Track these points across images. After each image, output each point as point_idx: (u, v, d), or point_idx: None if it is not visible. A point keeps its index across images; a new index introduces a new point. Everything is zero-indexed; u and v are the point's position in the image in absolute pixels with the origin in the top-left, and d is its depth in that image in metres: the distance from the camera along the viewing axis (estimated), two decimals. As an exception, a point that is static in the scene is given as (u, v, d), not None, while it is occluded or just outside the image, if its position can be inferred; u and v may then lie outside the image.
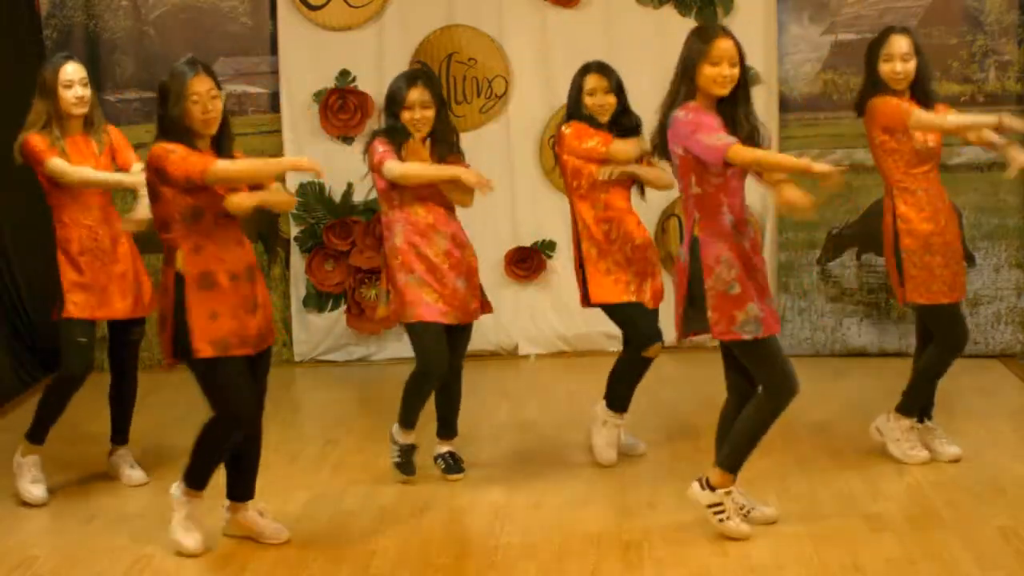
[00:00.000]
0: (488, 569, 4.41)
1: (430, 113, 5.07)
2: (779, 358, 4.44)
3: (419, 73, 5.37)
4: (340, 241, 7.22)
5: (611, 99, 5.26)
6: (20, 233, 7.07)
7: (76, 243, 5.19)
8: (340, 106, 7.16)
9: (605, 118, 5.25)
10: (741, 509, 4.56)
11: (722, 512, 4.49)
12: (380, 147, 5.05)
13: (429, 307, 5.03)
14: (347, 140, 7.20)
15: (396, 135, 5.08)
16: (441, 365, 5.05)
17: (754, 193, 6.72)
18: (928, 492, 4.92)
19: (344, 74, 7.17)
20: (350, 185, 7.09)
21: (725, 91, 4.37)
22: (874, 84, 5.10)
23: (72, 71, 5.18)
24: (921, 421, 5.29)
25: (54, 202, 5.23)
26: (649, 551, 4.48)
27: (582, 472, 5.30)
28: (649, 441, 5.58)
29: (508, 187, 7.26)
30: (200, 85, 4.40)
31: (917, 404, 5.26)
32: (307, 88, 7.20)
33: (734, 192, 4.41)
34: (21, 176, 6.92)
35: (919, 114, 4.98)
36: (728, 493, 4.50)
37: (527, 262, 7.30)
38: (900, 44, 5.06)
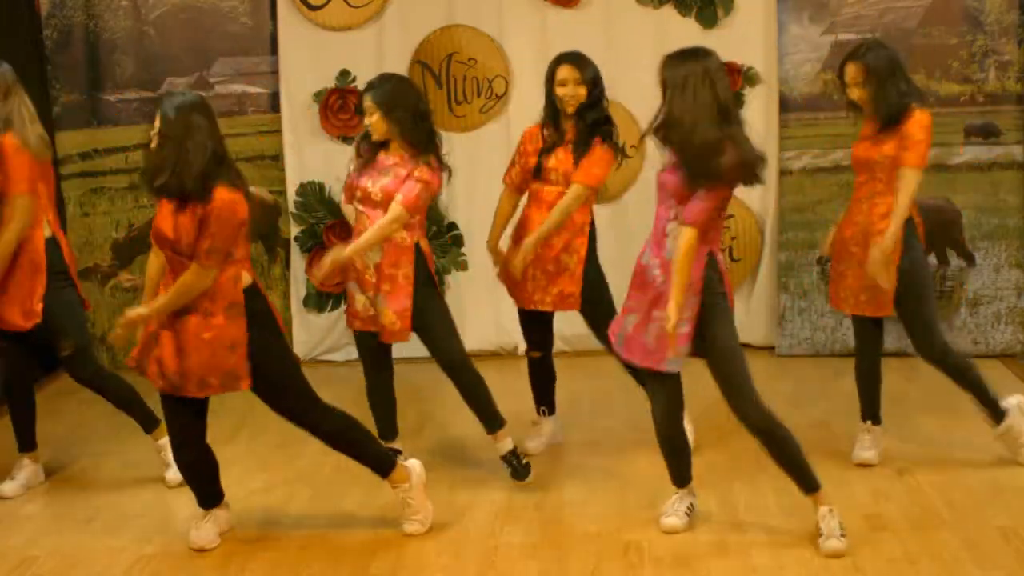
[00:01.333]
0: (488, 569, 4.41)
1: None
2: None
3: (371, 82, 5.18)
4: (340, 241, 7.20)
5: (581, 91, 5.24)
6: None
7: None
8: (340, 106, 7.16)
9: (570, 109, 5.26)
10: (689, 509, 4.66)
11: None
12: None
13: None
14: (347, 140, 7.19)
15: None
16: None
17: (754, 192, 6.73)
18: (928, 492, 4.93)
19: (344, 74, 7.16)
20: (350, 185, 7.09)
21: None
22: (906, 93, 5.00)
23: None
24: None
25: None
26: (649, 551, 4.48)
27: (582, 472, 5.29)
28: (649, 441, 5.57)
29: (508, 187, 7.26)
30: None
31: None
32: (307, 88, 7.19)
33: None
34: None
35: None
36: None
37: (527, 262, 7.29)
38: (850, 71, 5.01)
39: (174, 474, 5.18)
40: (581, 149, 5.25)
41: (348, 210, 5.25)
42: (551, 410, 5.67)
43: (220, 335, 4.37)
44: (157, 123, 4.33)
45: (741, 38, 7.03)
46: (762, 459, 4.80)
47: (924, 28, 6.83)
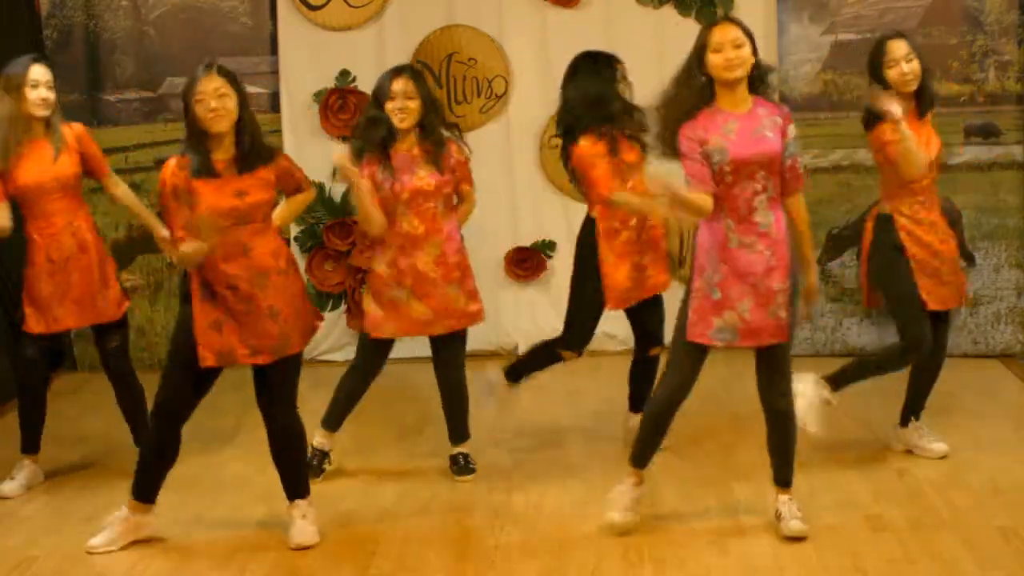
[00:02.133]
0: (488, 569, 4.41)
1: (414, 104, 5.05)
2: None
3: (405, 67, 5.30)
4: (340, 241, 7.22)
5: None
6: (20, 230, 7.05)
7: (41, 253, 5.19)
8: (340, 106, 7.16)
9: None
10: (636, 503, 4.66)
11: None
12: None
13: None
14: (347, 140, 7.19)
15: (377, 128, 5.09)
16: None
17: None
18: (928, 492, 4.92)
19: (344, 74, 7.17)
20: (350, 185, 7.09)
21: (734, 74, 4.36)
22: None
23: (40, 72, 5.14)
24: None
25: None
26: (649, 551, 4.47)
27: (582, 472, 5.29)
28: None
29: (508, 187, 7.27)
30: (208, 84, 4.37)
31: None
32: (307, 88, 7.20)
33: (733, 197, 4.38)
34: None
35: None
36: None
37: (527, 262, 7.30)
38: (900, 47, 5.06)
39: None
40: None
41: (379, 216, 5.06)
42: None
43: (300, 288, 4.62)
44: (231, 91, 4.38)
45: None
46: (761, 459, 4.80)
47: (924, 28, 6.83)
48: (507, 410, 6.10)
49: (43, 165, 5.16)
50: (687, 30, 6.99)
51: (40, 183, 5.14)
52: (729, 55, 4.34)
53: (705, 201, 4.32)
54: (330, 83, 7.18)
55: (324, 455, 5.33)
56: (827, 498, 4.90)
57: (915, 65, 5.05)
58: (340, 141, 7.19)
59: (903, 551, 4.38)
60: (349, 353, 7.33)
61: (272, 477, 5.08)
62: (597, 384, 6.32)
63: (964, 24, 6.85)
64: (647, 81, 6.73)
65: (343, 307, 7.34)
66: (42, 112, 5.15)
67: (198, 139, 4.41)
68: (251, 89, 7.19)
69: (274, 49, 7.23)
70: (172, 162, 4.45)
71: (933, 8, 6.85)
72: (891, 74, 5.06)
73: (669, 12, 7.06)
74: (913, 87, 5.06)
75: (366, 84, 7.12)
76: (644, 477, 4.67)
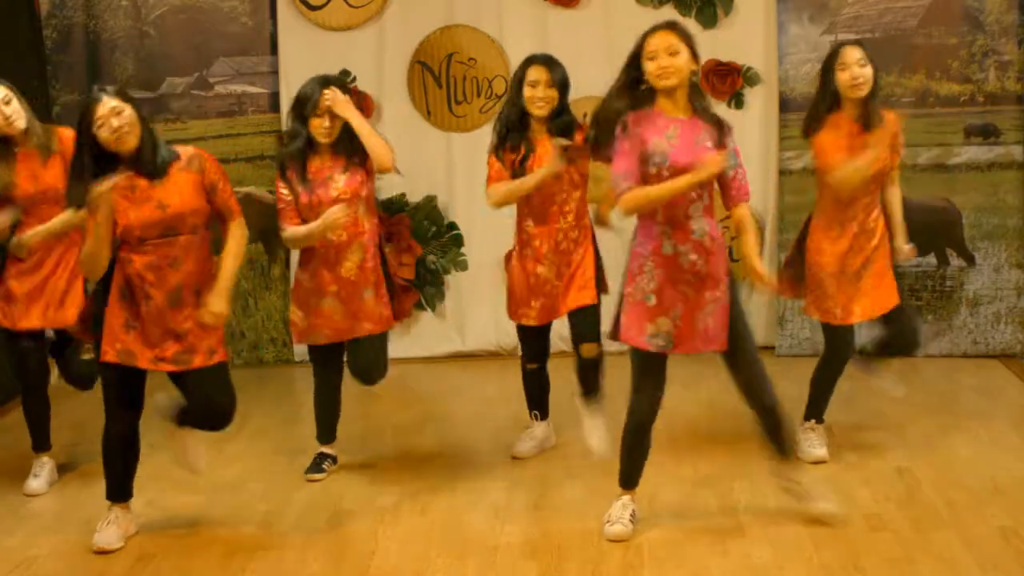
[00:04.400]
0: (488, 569, 4.41)
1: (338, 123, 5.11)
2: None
3: (332, 78, 5.39)
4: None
5: (552, 93, 5.15)
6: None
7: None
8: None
9: (540, 112, 5.15)
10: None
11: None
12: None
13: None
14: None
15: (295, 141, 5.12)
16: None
17: (755, 193, 6.72)
18: (928, 492, 4.92)
19: (344, 74, 7.16)
20: (350, 185, 7.10)
21: (666, 83, 4.32)
22: (827, 100, 5.07)
23: None
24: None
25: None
26: (649, 551, 4.48)
27: (582, 472, 5.29)
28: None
29: (508, 187, 7.25)
30: (103, 108, 4.39)
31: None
32: (307, 88, 7.19)
33: (670, 204, 4.33)
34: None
35: (840, 172, 5.01)
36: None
37: (527, 262, 7.29)
38: (853, 52, 5.01)
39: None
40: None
41: (299, 231, 5.05)
42: (544, 415, 5.63)
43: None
44: (126, 105, 4.41)
45: (741, 38, 7.03)
46: (761, 460, 4.80)
47: (924, 28, 6.83)
48: (506, 410, 6.11)
49: (35, 174, 5.18)
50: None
51: (31, 194, 5.16)
52: (663, 63, 4.31)
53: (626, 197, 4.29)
54: (330, 83, 7.17)
55: (325, 457, 5.34)
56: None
57: (868, 71, 5.00)
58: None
59: (903, 551, 4.38)
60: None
61: (272, 477, 5.09)
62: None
63: (964, 24, 6.85)
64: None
65: (343, 307, 7.33)
66: (6, 131, 5.11)
67: (111, 165, 4.40)
68: (251, 89, 7.21)
69: (274, 49, 7.23)
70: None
71: (933, 8, 6.85)
72: (842, 77, 5.00)
73: (669, 12, 7.05)
74: (863, 92, 5.00)
75: (366, 84, 7.14)
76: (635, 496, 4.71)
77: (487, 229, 7.02)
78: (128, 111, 4.39)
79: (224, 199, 4.59)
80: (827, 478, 5.10)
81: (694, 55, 4.36)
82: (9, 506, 5.17)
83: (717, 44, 7.00)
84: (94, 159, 4.38)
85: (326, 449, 5.36)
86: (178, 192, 4.46)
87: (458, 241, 7.30)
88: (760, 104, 7.04)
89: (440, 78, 7.18)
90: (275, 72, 7.24)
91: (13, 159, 5.14)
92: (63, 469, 5.54)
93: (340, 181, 5.06)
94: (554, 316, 5.32)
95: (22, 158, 5.16)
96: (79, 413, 6.17)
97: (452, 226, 7.30)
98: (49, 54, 7.18)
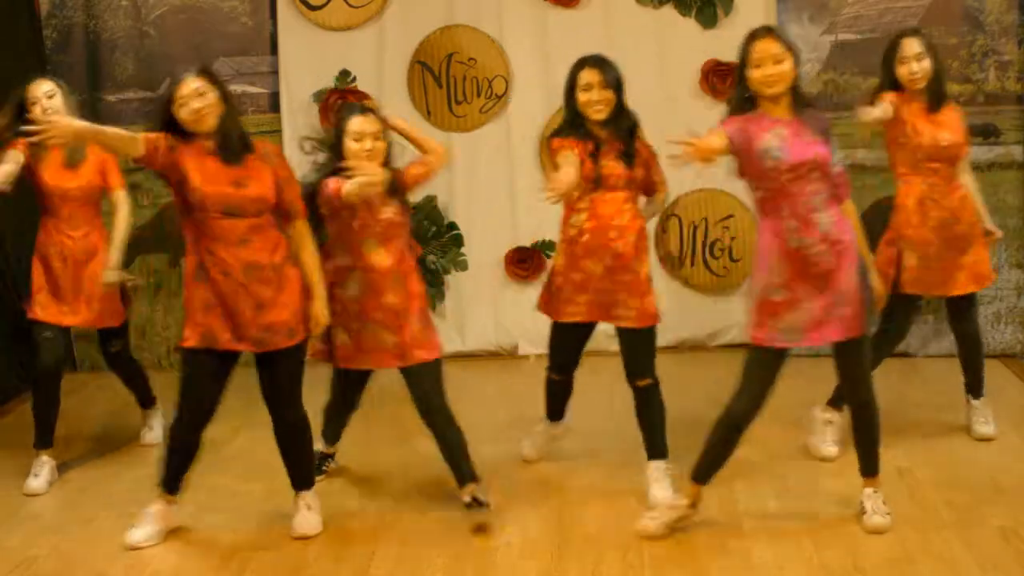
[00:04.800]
0: (488, 569, 4.40)
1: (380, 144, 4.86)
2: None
3: (365, 108, 5.09)
4: (340, 241, 7.22)
5: (608, 94, 4.91)
6: (19, 233, 7.06)
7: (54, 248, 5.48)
8: (340, 106, 7.15)
9: (599, 116, 4.92)
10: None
11: None
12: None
13: None
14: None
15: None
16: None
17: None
18: (928, 492, 4.92)
19: (344, 74, 7.17)
20: (350, 185, 7.10)
21: (773, 90, 4.39)
22: (890, 87, 5.32)
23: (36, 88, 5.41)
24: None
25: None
26: (649, 551, 4.47)
27: (582, 472, 5.29)
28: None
29: (508, 187, 7.26)
30: (187, 86, 4.52)
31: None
32: (307, 88, 7.19)
33: (792, 196, 4.39)
34: (19, 176, 6.93)
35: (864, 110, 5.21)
36: None
37: (527, 262, 7.30)
38: (912, 46, 5.26)
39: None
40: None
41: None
42: (561, 417, 5.46)
43: (295, 286, 4.62)
44: (211, 87, 4.55)
45: (741, 38, 6.99)
46: (761, 459, 4.80)
47: (924, 28, 6.81)
48: (506, 410, 6.11)
49: (58, 172, 5.46)
50: (687, 30, 7.04)
51: (51, 188, 5.44)
52: (767, 72, 4.38)
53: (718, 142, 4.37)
54: (330, 83, 7.18)
55: (326, 457, 5.34)
56: (827, 498, 4.90)
57: (925, 65, 5.24)
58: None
59: (903, 551, 4.38)
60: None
61: (272, 477, 5.09)
62: (597, 384, 6.30)
63: (964, 24, 6.85)
64: (647, 81, 6.79)
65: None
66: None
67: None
68: (251, 89, 7.21)
69: (274, 49, 7.23)
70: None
71: (933, 8, 6.85)
72: (901, 71, 5.27)
73: (669, 12, 7.06)
74: (920, 85, 5.26)
75: (366, 84, 7.15)
76: (701, 498, 4.65)
77: (487, 229, 7.02)
78: (211, 94, 4.48)
79: (292, 196, 4.60)
80: (827, 478, 5.10)
81: (796, 60, 4.45)
82: (9, 506, 5.17)
83: (717, 44, 7.00)
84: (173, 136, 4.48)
85: (326, 449, 5.35)
86: (254, 178, 4.49)
87: (458, 241, 7.30)
88: (760, 104, 7.03)
89: (440, 78, 7.18)
90: (275, 72, 7.24)
91: (44, 148, 5.20)
92: (63, 468, 5.54)
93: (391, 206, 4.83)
94: (604, 318, 5.02)
95: (54, 151, 5.36)
96: (76, 412, 6.18)
97: (452, 226, 7.29)
98: (49, 54, 7.18)
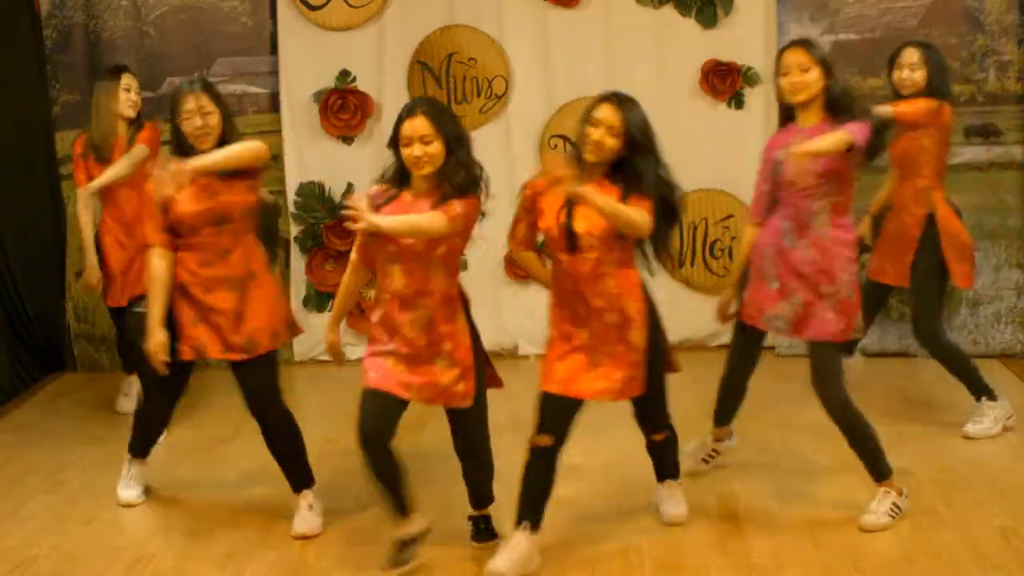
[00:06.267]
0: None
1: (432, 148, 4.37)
2: None
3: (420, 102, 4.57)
4: (340, 241, 7.21)
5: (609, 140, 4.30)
6: (19, 231, 7.08)
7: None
8: (340, 106, 7.16)
9: (593, 157, 4.33)
10: None
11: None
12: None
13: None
14: (347, 140, 7.20)
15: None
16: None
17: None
18: (928, 492, 4.92)
19: (344, 74, 7.17)
20: (350, 185, 7.10)
21: (796, 98, 4.63)
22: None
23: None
24: None
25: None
26: (649, 551, 4.48)
27: (582, 472, 5.29)
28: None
29: (508, 187, 7.23)
30: (193, 102, 4.59)
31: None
32: (307, 88, 7.19)
33: (791, 204, 4.68)
34: (19, 173, 6.96)
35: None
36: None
37: (527, 262, 7.29)
38: (910, 55, 5.54)
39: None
40: None
41: None
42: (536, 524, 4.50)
43: (271, 292, 4.84)
44: (215, 107, 4.65)
45: (741, 38, 7.03)
46: (761, 459, 4.81)
47: (924, 28, 6.83)
48: (506, 410, 6.10)
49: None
50: (687, 30, 7.03)
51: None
52: (794, 79, 4.60)
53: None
54: (330, 83, 7.18)
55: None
56: (827, 498, 4.90)
57: (917, 75, 5.50)
58: (340, 141, 7.20)
59: (903, 551, 4.38)
60: (349, 353, 7.35)
61: (272, 477, 5.09)
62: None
63: (964, 24, 6.85)
64: (647, 81, 6.79)
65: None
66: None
67: (183, 150, 4.62)
68: (251, 89, 7.21)
69: (274, 49, 7.23)
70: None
71: (933, 8, 6.85)
72: (894, 76, 5.57)
73: (669, 12, 7.05)
74: (907, 93, 5.52)
75: (366, 84, 7.15)
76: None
77: (487, 229, 7.01)
78: (215, 118, 4.60)
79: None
80: (828, 478, 5.10)
81: (827, 70, 4.61)
82: (9, 506, 5.17)
83: (717, 44, 7.00)
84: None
85: None
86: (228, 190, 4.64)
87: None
88: (760, 104, 7.03)
89: (440, 78, 7.18)
90: (275, 72, 7.24)
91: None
92: (63, 468, 5.54)
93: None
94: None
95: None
96: (77, 412, 6.17)
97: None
98: (49, 54, 7.18)
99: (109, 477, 5.40)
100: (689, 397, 5.92)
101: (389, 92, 7.16)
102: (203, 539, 4.76)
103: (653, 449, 4.79)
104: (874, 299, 5.68)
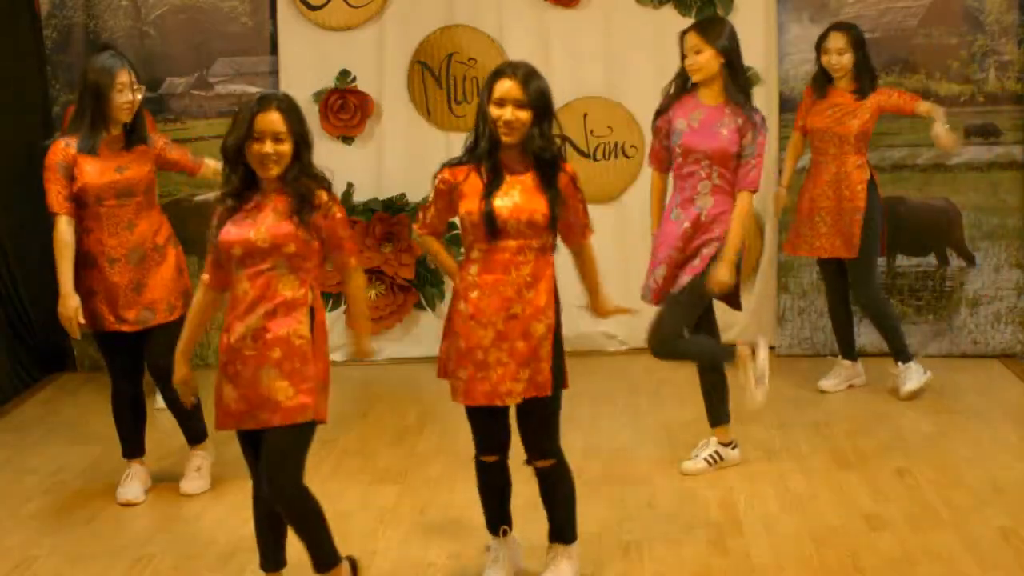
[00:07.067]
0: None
1: None
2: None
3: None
4: (340, 241, 7.21)
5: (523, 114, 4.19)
6: (19, 232, 7.07)
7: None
8: (340, 106, 7.15)
9: (510, 138, 4.23)
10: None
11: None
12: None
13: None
14: (347, 140, 7.19)
15: None
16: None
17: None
18: (928, 492, 4.92)
19: (344, 74, 7.16)
20: (350, 185, 7.09)
21: (695, 77, 5.02)
22: (818, 79, 6.13)
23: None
24: None
25: None
26: (649, 551, 4.48)
27: (582, 472, 5.29)
28: (649, 440, 5.58)
29: (508, 187, 7.25)
30: (126, 76, 4.89)
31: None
32: (307, 88, 7.18)
33: (682, 177, 5.09)
34: (19, 176, 6.95)
35: None
36: None
37: (527, 262, 7.28)
38: (835, 40, 5.94)
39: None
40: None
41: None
42: (510, 525, 4.42)
43: (172, 265, 5.14)
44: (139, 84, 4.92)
45: (741, 38, 7.00)
46: (761, 459, 4.80)
47: (924, 28, 6.83)
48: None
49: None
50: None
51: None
52: (688, 61, 4.99)
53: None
54: (330, 83, 7.17)
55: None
56: (827, 498, 4.90)
57: (845, 59, 5.91)
58: (340, 141, 7.20)
59: (903, 551, 4.38)
60: (349, 353, 7.35)
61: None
62: (595, 384, 6.31)
63: (964, 24, 6.85)
64: (647, 81, 6.78)
65: (343, 307, 7.32)
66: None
67: (100, 120, 4.87)
68: (251, 89, 7.20)
69: (274, 49, 7.22)
70: (60, 142, 4.90)
71: (933, 8, 6.85)
72: (823, 60, 6.00)
73: (669, 12, 7.05)
74: (837, 76, 5.97)
75: (366, 84, 7.14)
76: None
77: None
78: (139, 93, 4.95)
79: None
80: (827, 479, 5.10)
81: (721, 51, 4.96)
82: (9, 506, 5.17)
83: (717, 44, 6.99)
84: None
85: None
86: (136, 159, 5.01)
87: (458, 241, 7.28)
88: (760, 104, 6.95)
89: (440, 78, 7.18)
90: (275, 72, 7.23)
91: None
92: (63, 468, 5.54)
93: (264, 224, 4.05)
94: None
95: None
96: (77, 412, 6.17)
97: (452, 226, 7.23)
98: (49, 54, 7.17)
99: (109, 477, 5.40)
100: (689, 397, 5.94)
101: (389, 92, 7.16)
102: (203, 539, 4.76)
103: (542, 485, 4.25)
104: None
